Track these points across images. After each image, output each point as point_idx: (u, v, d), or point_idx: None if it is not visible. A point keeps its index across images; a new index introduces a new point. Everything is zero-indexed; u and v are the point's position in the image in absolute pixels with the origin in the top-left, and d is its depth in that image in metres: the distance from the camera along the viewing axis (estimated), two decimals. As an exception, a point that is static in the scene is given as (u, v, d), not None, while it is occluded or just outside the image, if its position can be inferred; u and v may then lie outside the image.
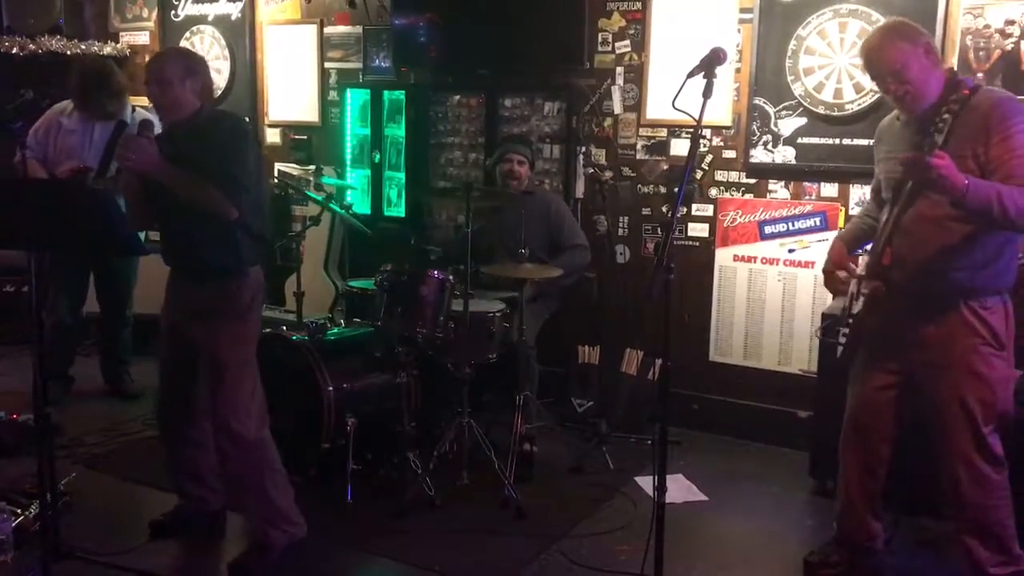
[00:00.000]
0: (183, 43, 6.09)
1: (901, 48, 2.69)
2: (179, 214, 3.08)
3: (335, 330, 4.21)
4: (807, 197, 4.35)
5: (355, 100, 5.55)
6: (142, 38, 6.35)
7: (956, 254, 2.70)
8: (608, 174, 4.83)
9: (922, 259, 2.73)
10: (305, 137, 5.81)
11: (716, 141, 4.55)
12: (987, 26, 3.87)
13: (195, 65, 3.17)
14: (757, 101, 4.39)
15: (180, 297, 3.22)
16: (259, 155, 3.30)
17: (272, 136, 5.97)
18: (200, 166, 3.00)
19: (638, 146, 4.76)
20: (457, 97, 5.28)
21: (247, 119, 5.86)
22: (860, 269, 2.93)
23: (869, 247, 2.99)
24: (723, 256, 4.57)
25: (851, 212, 4.22)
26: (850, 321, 2.95)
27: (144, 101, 5.18)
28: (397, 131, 5.40)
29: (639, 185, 4.77)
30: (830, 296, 4.23)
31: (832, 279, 3.03)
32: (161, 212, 3.16)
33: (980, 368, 2.73)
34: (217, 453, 3.16)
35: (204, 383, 3.17)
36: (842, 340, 3.03)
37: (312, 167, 5.36)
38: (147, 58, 6.23)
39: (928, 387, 2.82)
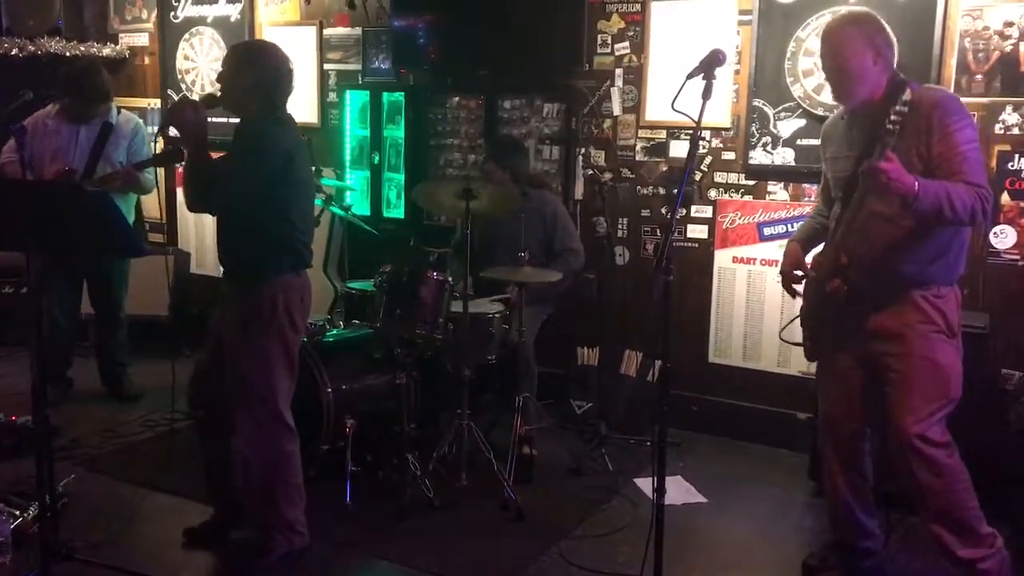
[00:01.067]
0: (182, 44, 6.10)
1: (852, 36, 2.78)
2: (219, 212, 3.12)
3: (334, 331, 4.21)
4: (806, 199, 4.35)
5: (354, 101, 5.55)
6: (141, 39, 6.35)
7: (908, 249, 2.77)
8: (607, 176, 4.83)
9: (875, 255, 2.80)
10: (305, 138, 5.79)
11: (715, 143, 4.55)
12: (986, 28, 3.87)
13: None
14: (756, 103, 4.39)
15: (224, 297, 3.23)
16: (278, 162, 3.14)
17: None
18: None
19: (637, 148, 4.76)
20: (456, 99, 5.28)
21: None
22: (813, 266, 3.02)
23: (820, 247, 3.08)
24: (722, 257, 4.57)
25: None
26: (810, 321, 3.05)
27: (133, 103, 5.21)
28: (396, 132, 5.40)
29: (638, 187, 4.77)
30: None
31: (789, 280, 3.10)
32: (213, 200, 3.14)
33: (933, 355, 2.79)
34: (235, 455, 3.15)
35: (232, 401, 3.14)
36: (807, 343, 3.12)
37: (311, 168, 5.36)
38: (146, 60, 6.27)
39: (882, 375, 2.87)
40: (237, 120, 3.19)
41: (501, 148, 4.59)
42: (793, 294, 3.13)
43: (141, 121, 5.00)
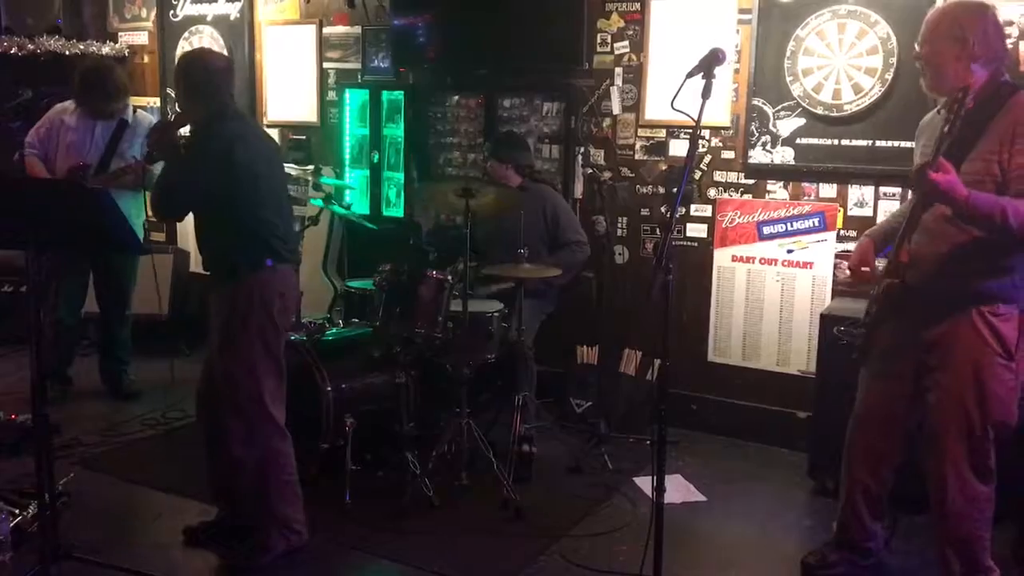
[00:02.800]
0: (181, 43, 6.10)
1: (940, 23, 2.69)
2: (186, 214, 3.17)
3: (334, 330, 4.21)
4: (806, 198, 4.35)
5: (354, 100, 5.55)
6: (141, 38, 6.35)
7: (973, 255, 2.66)
8: (607, 174, 4.83)
9: (938, 257, 2.70)
10: (304, 137, 5.81)
11: (715, 142, 4.55)
12: (986, 27, 3.86)
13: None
14: (756, 102, 4.39)
15: (212, 299, 3.25)
16: (238, 167, 3.12)
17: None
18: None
19: (637, 146, 4.76)
20: (456, 97, 5.28)
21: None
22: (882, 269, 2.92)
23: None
24: (722, 256, 4.57)
25: (850, 213, 4.22)
26: (866, 320, 2.94)
27: (133, 101, 5.21)
28: (396, 131, 5.41)
29: (638, 185, 4.77)
30: (828, 297, 4.25)
31: (858, 275, 2.99)
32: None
33: (985, 377, 2.69)
34: (228, 456, 3.15)
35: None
36: (858, 340, 3.03)
37: (311, 167, 5.36)
38: (145, 59, 6.27)
39: (931, 390, 2.80)
40: None
41: (501, 144, 4.60)
42: (861, 286, 3.02)
43: (155, 120, 5.05)
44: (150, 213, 4.47)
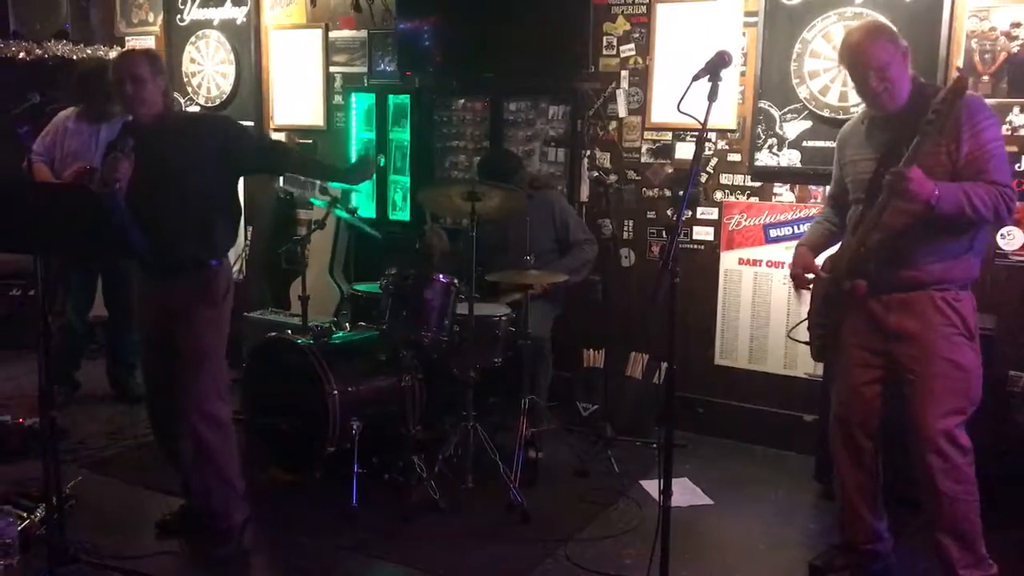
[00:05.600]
0: (188, 47, 6.12)
1: (885, 47, 2.80)
2: (153, 211, 3.13)
3: (340, 334, 4.21)
4: (812, 200, 4.34)
5: (360, 104, 5.55)
6: (148, 42, 6.35)
7: (932, 248, 2.80)
8: (613, 178, 4.83)
9: (899, 252, 2.81)
10: (310, 141, 5.82)
11: (721, 144, 4.55)
12: (992, 29, 3.86)
13: (159, 64, 3.26)
14: (762, 104, 4.38)
15: (156, 300, 3.30)
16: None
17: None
18: (185, 165, 3.14)
19: (643, 149, 4.75)
20: (462, 101, 5.29)
21: (251, 124, 5.88)
22: (823, 270, 3.05)
23: (831, 250, 3.11)
24: (728, 259, 4.56)
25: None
26: (820, 321, 3.07)
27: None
28: (402, 135, 5.41)
29: (644, 188, 4.77)
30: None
31: (800, 281, 3.13)
32: (134, 211, 3.06)
33: (954, 356, 2.81)
34: (191, 440, 3.21)
35: (183, 373, 3.22)
36: (815, 342, 3.14)
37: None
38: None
39: (903, 376, 2.88)
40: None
41: (484, 170, 4.53)
42: (802, 291, 3.15)
43: None
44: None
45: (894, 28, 2.94)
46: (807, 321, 3.18)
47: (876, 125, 2.92)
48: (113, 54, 6.13)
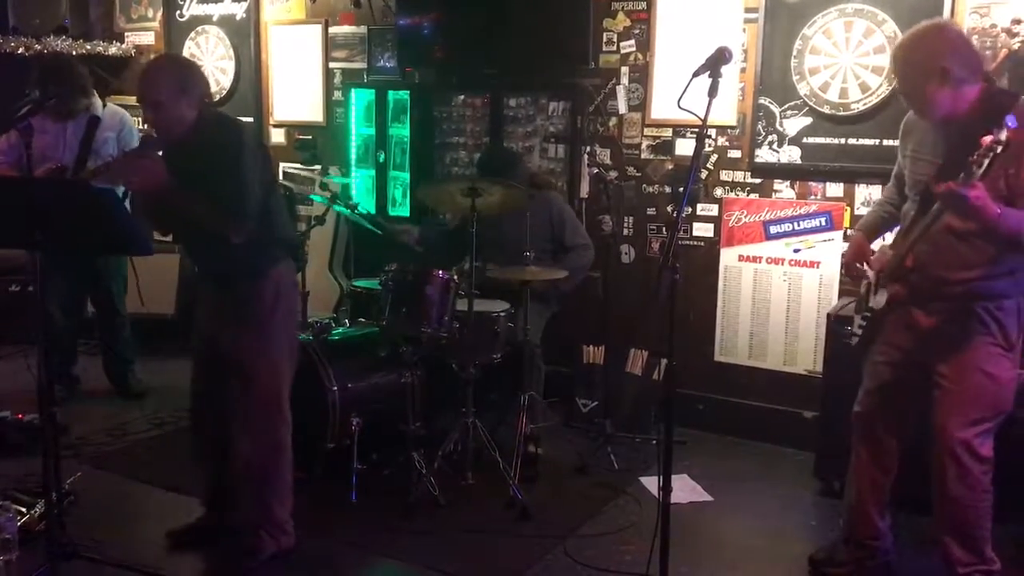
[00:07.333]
0: (188, 43, 6.11)
1: (907, 58, 2.70)
2: (182, 224, 3.09)
3: (340, 330, 4.21)
4: (812, 197, 4.34)
5: (360, 100, 5.55)
6: (147, 38, 6.36)
7: (978, 266, 2.72)
8: (613, 174, 4.83)
9: (944, 268, 2.75)
10: (310, 137, 5.81)
11: (721, 141, 4.54)
12: (993, 25, 3.86)
13: (189, 77, 3.00)
14: (762, 101, 4.38)
15: (207, 299, 3.23)
16: (266, 156, 3.24)
17: (277, 136, 5.97)
18: (202, 183, 2.90)
19: (643, 146, 4.75)
20: (462, 97, 5.28)
21: (251, 120, 5.87)
22: (877, 262, 2.98)
23: (890, 236, 3.04)
24: (728, 256, 4.56)
25: (857, 212, 4.21)
26: (867, 313, 3.00)
27: (125, 99, 5.19)
28: (402, 131, 5.41)
29: (644, 185, 4.77)
30: (835, 296, 4.24)
31: (852, 270, 3.07)
32: (175, 218, 3.09)
33: (987, 366, 2.75)
34: (239, 460, 3.14)
35: (233, 389, 3.14)
36: (857, 331, 3.07)
37: (317, 167, 5.37)
38: (152, 56, 6.26)
39: (933, 381, 2.84)
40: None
41: (484, 168, 4.50)
42: (856, 280, 3.09)
43: (127, 113, 4.88)
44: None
45: (941, 40, 2.68)
46: (856, 305, 3.12)
47: (940, 126, 2.77)
48: (112, 50, 6.14)
